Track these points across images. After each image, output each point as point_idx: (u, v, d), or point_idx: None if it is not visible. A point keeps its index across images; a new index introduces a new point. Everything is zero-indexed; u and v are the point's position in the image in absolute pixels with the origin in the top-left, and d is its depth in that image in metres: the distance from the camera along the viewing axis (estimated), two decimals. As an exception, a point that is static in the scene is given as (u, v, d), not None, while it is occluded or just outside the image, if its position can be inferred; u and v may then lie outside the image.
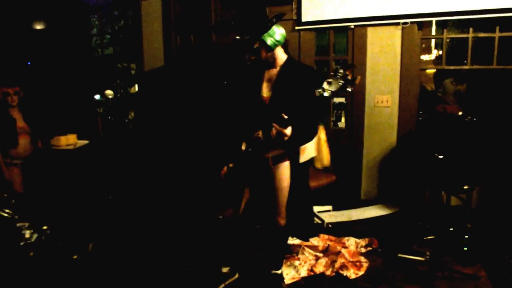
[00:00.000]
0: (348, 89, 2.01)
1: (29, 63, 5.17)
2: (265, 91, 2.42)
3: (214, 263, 2.87)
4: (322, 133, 2.16)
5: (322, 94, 2.03)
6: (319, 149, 2.18)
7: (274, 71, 2.41)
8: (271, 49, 2.34)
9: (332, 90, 2.01)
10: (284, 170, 2.43)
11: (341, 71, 2.00)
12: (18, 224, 2.65)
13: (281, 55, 2.40)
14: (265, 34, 2.30)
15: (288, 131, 2.17)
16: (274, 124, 2.16)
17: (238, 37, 2.31)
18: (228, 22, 4.54)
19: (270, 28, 2.31)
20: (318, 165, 2.24)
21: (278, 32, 2.34)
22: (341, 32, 4.43)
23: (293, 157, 2.43)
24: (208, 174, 3.20)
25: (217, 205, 3.35)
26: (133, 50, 5.14)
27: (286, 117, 2.11)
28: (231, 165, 2.53)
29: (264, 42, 2.31)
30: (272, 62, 2.40)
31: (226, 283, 2.75)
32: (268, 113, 2.36)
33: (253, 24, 2.31)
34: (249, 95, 2.50)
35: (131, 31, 5.22)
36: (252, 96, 2.47)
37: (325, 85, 2.03)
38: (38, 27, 5.24)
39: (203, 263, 3.03)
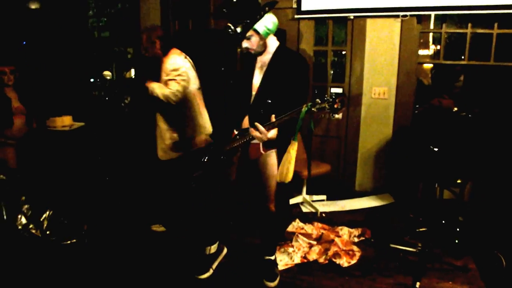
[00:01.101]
0: (331, 115, 2.04)
1: (24, 43, 5.08)
2: (256, 78, 2.43)
3: (201, 245, 2.86)
4: (292, 149, 2.18)
5: (307, 108, 2.05)
6: (283, 163, 2.20)
7: (266, 59, 2.41)
8: (263, 37, 2.33)
9: (318, 107, 2.03)
10: (274, 156, 2.44)
11: (333, 97, 2.01)
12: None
13: (272, 43, 2.40)
14: (257, 23, 2.30)
15: (271, 133, 2.20)
16: (256, 124, 2.17)
17: (229, 25, 2.30)
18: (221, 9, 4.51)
19: (262, 16, 2.30)
20: (277, 177, 2.26)
21: (270, 21, 2.33)
22: (340, 23, 4.42)
23: (281, 144, 2.43)
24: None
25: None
26: (130, 34, 5.07)
27: (269, 101, 2.15)
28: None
29: (257, 31, 2.30)
30: (263, 50, 2.39)
31: (219, 260, 2.79)
32: (255, 99, 2.38)
33: (245, 12, 2.29)
34: (240, 82, 2.52)
35: (128, 15, 5.15)
36: (243, 83, 2.48)
37: (316, 100, 2.05)
38: (33, 6, 5.15)
39: (191, 244, 3.05)
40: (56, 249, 2.88)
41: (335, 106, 2.00)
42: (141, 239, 3.21)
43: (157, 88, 2.95)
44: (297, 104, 2.20)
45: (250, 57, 2.47)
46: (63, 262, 2.80)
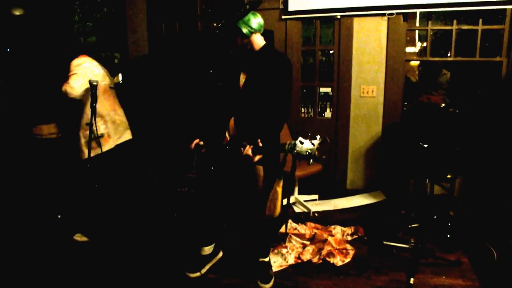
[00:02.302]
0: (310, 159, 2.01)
1: (8, 49, 5.00)
2: (242, 78, 2.44)
3: (195, 245, 2.85)
4: (278, 186, 2.24)
5: (290, 147, 2.05)
6: (270, 199, 2.25)
7: (251, 58, 2.42)
8: (246, 36, 2.35)
9: (297, 150, 2.03)
10: (261, 169, 2.44)
11: (317, 144, 2.01)
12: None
13: (258, 42, 2.41)
14: (240, 22, 2.32)
15: (257, 157, 2.21)
16: (247, 147, 2.18)
17: (214, 24, 2.32)
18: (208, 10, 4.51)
19: (244, 15, 2.31)
20: (266, 212, 2.31)
21: (254, 21, 2.35)
22: (327, 22, 4.44)
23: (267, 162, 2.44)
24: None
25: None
26: (116, 38, 5.03)
27: (260, 145, 2.16)
28: (200, 142, 2.53)
29: (240, 30, 2.32)
30: (249, 49, 2.40)
31: (212, 262, 2.78)
32: (240, 100, 2.39)
33: (228, 11, 2.32)
34: (227, 82, 2.52)
35: (114, 19, 5.10)
36: (230, 84, 2.49)
37: (297, 142, 2.04)
38: (17, 12, 5.07)
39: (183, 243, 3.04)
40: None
41: (316, 154, 2.00)
42: (133, 237, 3.19)
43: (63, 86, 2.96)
44: (280, 105, 2.21)
45: (236, 57, 2.47)
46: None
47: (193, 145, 2.54)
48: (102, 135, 3.14)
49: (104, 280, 2.64)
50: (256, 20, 2.36)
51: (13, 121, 3.69)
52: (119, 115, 3.34)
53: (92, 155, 3.03)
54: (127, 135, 3.39)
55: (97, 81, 2.95)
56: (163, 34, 4.83)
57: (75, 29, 5.45)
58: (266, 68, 2.32)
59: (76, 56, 3.18)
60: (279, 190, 2.25)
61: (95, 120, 2.98)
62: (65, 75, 3.09)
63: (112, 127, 3.23)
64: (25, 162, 3.70)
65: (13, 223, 3.43)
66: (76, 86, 2.94)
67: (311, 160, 1.99)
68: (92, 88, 2.93)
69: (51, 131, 3.88)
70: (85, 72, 3.03)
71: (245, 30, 2.33)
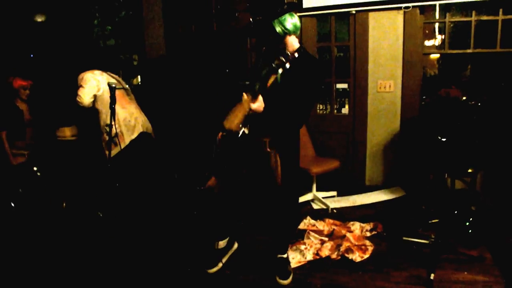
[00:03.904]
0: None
1: (31, 55, 5.17)
2: (271, 77, 2.44)
3: (210, 239, 2.89)
4: (245, 101, 2.29)
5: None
6: (233, 110, 2.31)
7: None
8: (279, 35, 2.34)
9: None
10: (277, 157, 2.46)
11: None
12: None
13: (293, 44, 2.41)
14: (275, 21, 2.32)
15: (255, 105, 2.24)
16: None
17: (251, 20, 2.35)
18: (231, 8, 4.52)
19: (281, 14, 2.32)
20: (225, 124, 2.35)
21: (290, 21, 2.35)
22: (342, 18, 4.41)
23: (279, 145, 2.46)
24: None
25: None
26: (134, 41, 5.13)
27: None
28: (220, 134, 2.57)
29: (273, 28, 2.32)
30: (283, 50, 2.40)
31: (228, 254, 2.82)
32: (267, 98, 2.39)
33: (264, 6, 2.33)
34: (252, 80, 2.53)
35: (132, 22, 5.20)
36: (255, 81, 2.49)
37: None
38: (39, 19, 5.23)
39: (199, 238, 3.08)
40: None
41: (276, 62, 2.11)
42: (149, 232, 3.26)
43: None
44: (306, 106, 2.22)
45: (267, 56, 2.47)
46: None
47: (219, 135, 2.57)
48: (116, 135, 3.26)
49: (120, 277, 2.72)
50: (292, 21, 2.35)
51: (37, 124, 3.83)
52: (129, 112, 3.47)
53: (112, 155, 3.14)
54: (138, 130, 3.50)
55: (115, 83, 3.07)
56: (179, 35, 4.90)
57: (94, 33, 5.59)
58: (301, 72, 2.31)
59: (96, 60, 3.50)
60: (245, 105, 2.26)
61: (114, 121, 3.09)
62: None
63: (122, 124, 3.37)
64: (50, 162, 3.84)
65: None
66: (83, 96, 3.30)
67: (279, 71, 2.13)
68: (111, 90, 3.05)
69: (73, 133, 4.02)
70: (90, 84, 3.34)
71: (278, 29, 2.33)
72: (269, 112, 2.33)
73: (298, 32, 2.43)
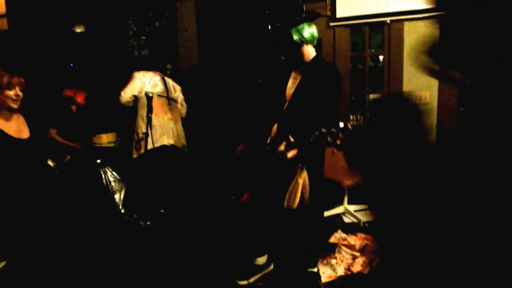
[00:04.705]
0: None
1: (72, 65, 5.38)
2: (289, 88, 2.45)
3: (248, 253, 2.88)
4: (300, 177, 2.24)
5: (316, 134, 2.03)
6: (291, 190, 2.25)
7: (301, 69, 2.42)
8: (296, 44, 2.34)
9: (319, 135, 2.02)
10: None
11: (334, 132, 2.01)
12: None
13: (309, 54, 2.41)
14: (293, 29, 2.32)
15: (290, 153, 2.21)
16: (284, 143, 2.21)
17: (269, 27, 2.37)
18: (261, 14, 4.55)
19: (299, 23, 2.33)
20: (285, 203, 2.30)
21: (307, 30, 2.36)
22: (376, 27, 4.34)
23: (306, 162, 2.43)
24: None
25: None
26: (168, 50, 5.24)
27: (292, 140, 2.18)
28: (241, 147, 2.58)
29: (291, 36, 2.32)
30: (299, 59, 2.40)
31: (261, 274, 2.78)
32: (288, 108, 2.39)
33: (284, 16, 2.35)
34: (276, 92, 2.55)
35: (166, 32, 5.32)
36: (278, 93, 2.51)
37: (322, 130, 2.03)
38: (79, 30, 5.44)
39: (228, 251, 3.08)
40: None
41: (337, 142, 1.99)
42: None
43: None
44: (326, 116, 2.20)
45: (286, 67, 2.49)
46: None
47: (238, 150, 2.61)
48: (141, 139, 3.36)
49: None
50: (309, 30, 2.36)
51: (75, 130, 3.97)
52: (161, 122, 3.55)
53: (135, 156, 3.39)
54: (163, 141, 3.56)
55: (152, 93, 3.17)
56: (213, 44, 4.96)
57: (129, 43, 5.75)
58: (318, 81, 2.31)
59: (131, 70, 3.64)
60: (300, 181, 2.23)
61: (151, 129, 3.19)
62: (121, 87, 3.46)
63: (150, 132, 3.41)
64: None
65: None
66: (123, 94, 3.45)
67: (335, 150, 2.01)
68: (148, 99, 3.16)
69: (110, 140, 4.14)
70: (135, 84, 3.47)
71: (295, 37, 2.34)
72: (291, 123, 2.32)
73: (315, 41, 2.42)
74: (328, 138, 2.00)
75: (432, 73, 3.88)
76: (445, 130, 4.04)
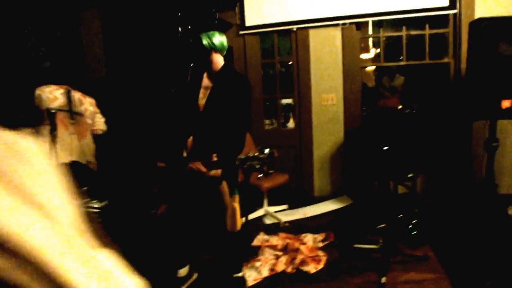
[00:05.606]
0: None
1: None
2: (201, 98, 2.46)
3: (169, 266, 2.80)
4: (235, 202, 2.28)
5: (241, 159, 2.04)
6: (230, 216, 2.33)
7: (211, 78, 2.45)
8: (205, 49, 2.36)
9: (247, 164, 2.03)
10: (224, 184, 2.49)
11: (261, 158, 2.02)
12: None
13: (218, 62, 2.44)
14: (204, 33, 2.34)
15: (213, 172, 2.27)
16: (197, 162, 2.24)
17: (179, 29, 2.36)
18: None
19: (210, 29, 2.35)
20: (228, 228, 2.38)
21: (218, 38, 2.38)
22: (285, 35, 4.54)
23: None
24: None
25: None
26: (73, 61, 4.93)
27: (215, 159, 2.19)
28: (162, 164, 2.54)
29: (200, 40, 2.33)
30: (207, 67, 2.42)
31: (186, 285, 2.72)
32: (201, 120, 2.40)
33: (197, 19, 2.36)
34: (187, 102, 2.54)
35: (70, 42, 5.00)
36: (189, 104, 2.50)
37: (248, 156, 2.05)
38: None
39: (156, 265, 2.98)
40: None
41: (264, 168, 2.01)
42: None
43: None
44: (239, 125, 2.24)
45: (195, 77, 2.49)
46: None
47: (160, 210, 2.55)
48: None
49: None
50: (220, 38, 2.38)
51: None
52: (62, 136, 3.33)
53: None
54: (65, 157, 3.33)
55: (54, 108, 2.99)
56: (121, 53, 4.77)
57: (28, 55, 5.29)
58: (226, 90, 2.35)
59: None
60: (237, 206, 2.26)
61: (54, 147, 2.97)
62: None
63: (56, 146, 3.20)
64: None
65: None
66: None
67: (260, 175, 2.01)
68: (49, 116, 2.97)
69: None
70: (36, 101, 3.25)
71: (204, 42, 2.34)
72: (206, 134, 2.33)
73: (224, 51, 2.46)
74: (255, 165, 2.01)
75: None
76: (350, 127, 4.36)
